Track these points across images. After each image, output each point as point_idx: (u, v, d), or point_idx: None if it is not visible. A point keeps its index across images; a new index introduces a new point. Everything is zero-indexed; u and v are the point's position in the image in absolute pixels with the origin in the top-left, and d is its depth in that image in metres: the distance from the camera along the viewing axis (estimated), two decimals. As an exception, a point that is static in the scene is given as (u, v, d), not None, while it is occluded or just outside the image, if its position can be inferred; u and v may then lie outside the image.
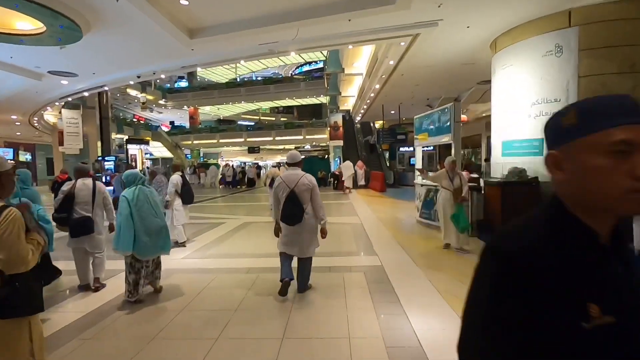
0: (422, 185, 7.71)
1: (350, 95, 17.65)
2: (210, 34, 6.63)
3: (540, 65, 6.64)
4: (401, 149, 21.43)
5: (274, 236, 4.06)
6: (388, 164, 22.59)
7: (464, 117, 15.17)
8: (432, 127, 7.53)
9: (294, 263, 3.96)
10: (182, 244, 6.05)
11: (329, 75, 15.54)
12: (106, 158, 26.02)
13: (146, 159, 45.47)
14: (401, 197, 14.01)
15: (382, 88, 11.83)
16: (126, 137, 31.58)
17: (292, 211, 3.62)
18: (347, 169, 15.81)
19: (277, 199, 3.77)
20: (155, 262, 4.00)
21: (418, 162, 8.73)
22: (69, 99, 14.08)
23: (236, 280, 4.37)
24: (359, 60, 12.28)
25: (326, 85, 20.66)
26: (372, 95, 13.05)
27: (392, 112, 18.47)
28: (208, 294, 3.93)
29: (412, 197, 14.44)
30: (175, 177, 5.92)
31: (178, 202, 5.94)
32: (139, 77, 9.88)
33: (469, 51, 8.73)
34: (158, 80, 45.65)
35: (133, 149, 32.05)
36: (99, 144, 26.56)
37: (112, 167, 25.94)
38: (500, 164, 7.53)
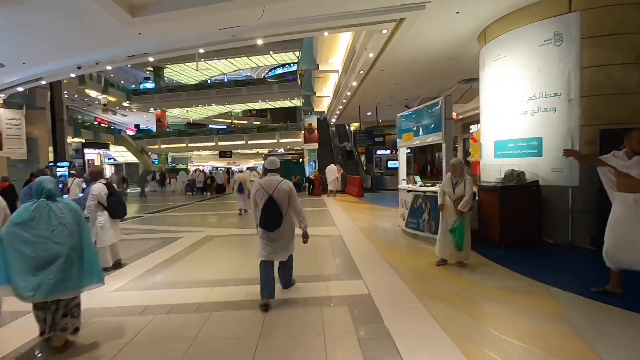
0: (408, 191, 6.84)
1: (325, 96, 16.77)
2: (157, 11, 5.47)
3: (537, 56, 5.95)
4: (378, 151, 20.75)
5: (238, 254, 3.24)
6: (364, 168, 21.87)
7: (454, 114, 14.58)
8: (418, 125, 6.69)
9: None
10: (109, 269, 4.84)
11: (302, 73, 14.49)
12: (58, 164, 23.81)
13: (108, 164, 42.86)
14: (380, 202, 13.20)
15: (359, 85, 10.98)
16: (83, 140, 29.17)
17: (271, 217, 3.57)
18: (332, 172, 15.40)
19: (256, 205, 3.72)
20: (66, 305, 2.83)
21: (402, 166, 7.88)
22: (3, 95, 12.28)
23: (179, 325, 3.25)
24: (335, 56, 11.40)
25: (299, 83, 19.63)
26: (349, 94, 12.19)
27: (369, 113, 17.75)
28: (131, 353, 2.78)
29: (392, 202, 13.69)
30: (97, 187, 4.67)
31: (104, 217, 4.72)
32: (79, 67, 8.47)
33: (455, 43, 8.02)
34: (122, 82, 43.35)
35: (91, 153, 29.69)
36: (52, 148, 24.32)
37: (66, 173, 23.79)
38: (494, 166, 6.80)
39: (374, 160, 21.09)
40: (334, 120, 20.13)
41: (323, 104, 20.28)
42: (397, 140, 7.73)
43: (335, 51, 10.98)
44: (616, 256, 3.48)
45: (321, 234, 7.23)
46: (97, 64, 8.10)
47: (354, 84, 10.74)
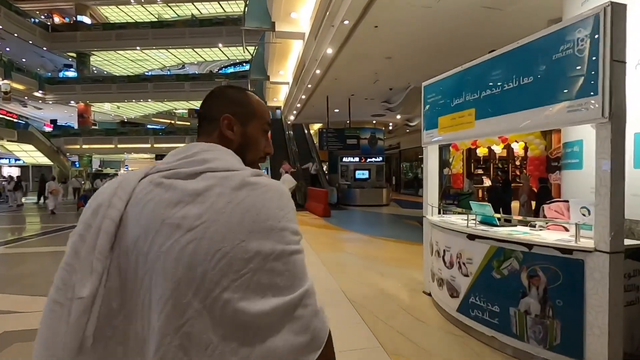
0: (471, 236, 3.12)
1: (282, 82, 12.95)
2: None
3: None
4: (344, 159, 17.23)
5: None
6: (327, 178, 18.19)
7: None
8: (495, 91, 3.04)
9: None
10: None
11: (252, 57, 10.01)
12: None
13: (10, 165, 35.29)
14: (356, 227, 9.52)
15: (337, 54, 7.27)
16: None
17: None
18: (289, 181, 12.21)
19: None
20: None
21: (431, 180, 4.18)
22: None
23: None
24: (302, 8, 7.54)
25: (247, 52, 15.27)
26: (318, 72, 8.45)
27: (337, 110, 14.18)
28: None
29: (372, 227, 10.06)
30: None
31: None
32: None
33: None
34: (39, 69, 36.12)
35: (-34, 150, 22.72)
36: None
37: None
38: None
39: (340, 169, 17.51)
40: (292, 118, 16.27)
41: (279, 96, 16.31)
42: (425, 132, 4.04)
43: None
44: None
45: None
46: None
47: (329, 51, 7.02)
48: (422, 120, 4.10)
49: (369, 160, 17.41)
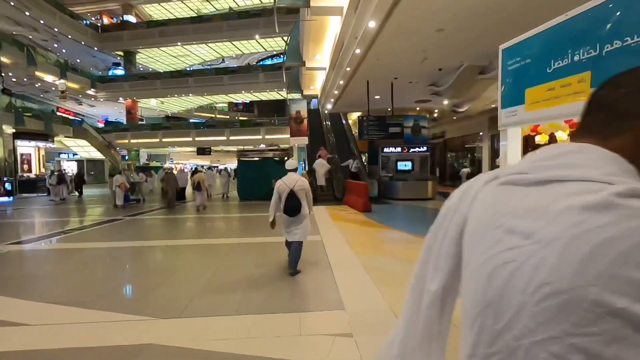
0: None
1: (318, 67, 12.12)
2: None
3: None
4: (385, 149, 16.14)
5: None
6: (367, 170, 17.23)
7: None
8: (636, 35, 2.03)
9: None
10: None
11: (280, 11, 9.23)
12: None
13: (69, 159, 37.83)
14: (399, 224, 8.52)
15: (381, 28, 6.29)
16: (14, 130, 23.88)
17: (293, 205, 4.62)
18: (322, 166, 12.99)
19: (279, 197, 4.68)
20: None
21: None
22: None
23: None
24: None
25: (281, 40, 14.61)
26: (358, 51, 7.50)
27: (377, 97, 13.13)
28: None
29: (417, 225, 8.99)
30: None
31: None
32: None
33: None
34: (91, 69, 38.41)
35: (26, 146, 24.34)
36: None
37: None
38: None
39: (380, 161, 16.45)
40: (329, 106, 15.43)
41: (315, 84, 15.52)
42: (504, 111, 3.07)
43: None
44: None
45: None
46: None
47: (371, 24, 6.06)
48: (498, 96, 3.12)
49: (412, 150, 16.19)
